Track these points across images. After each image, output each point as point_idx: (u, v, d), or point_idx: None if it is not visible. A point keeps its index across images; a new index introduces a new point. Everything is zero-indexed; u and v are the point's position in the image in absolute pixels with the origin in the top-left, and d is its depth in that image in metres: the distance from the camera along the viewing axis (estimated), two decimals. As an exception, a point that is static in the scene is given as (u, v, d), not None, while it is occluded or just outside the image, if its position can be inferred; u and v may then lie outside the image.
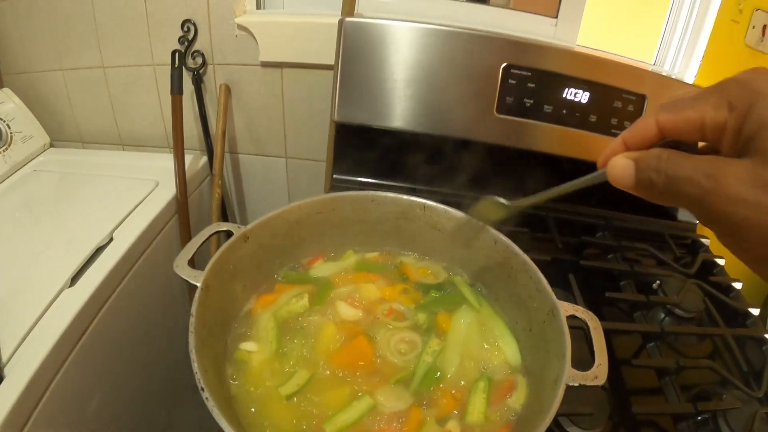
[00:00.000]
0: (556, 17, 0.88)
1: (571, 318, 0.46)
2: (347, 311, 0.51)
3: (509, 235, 0.52)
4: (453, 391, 0.45)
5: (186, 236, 0.93)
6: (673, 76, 0.91)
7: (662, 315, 0.76)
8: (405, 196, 0.56)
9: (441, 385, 0.46)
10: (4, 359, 0.63)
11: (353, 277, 0.55)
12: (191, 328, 0.40)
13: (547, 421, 0.35)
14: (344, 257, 0.57)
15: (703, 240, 0.93)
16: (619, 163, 0.31)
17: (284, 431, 0.41)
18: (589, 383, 0.41)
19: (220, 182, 0.98)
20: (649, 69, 0.86)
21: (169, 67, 0.95)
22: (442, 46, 0.75)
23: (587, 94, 0.77)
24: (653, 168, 0.28)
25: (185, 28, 0.92)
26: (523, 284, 0.50)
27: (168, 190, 0.94)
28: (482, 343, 0.49)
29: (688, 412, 0.57)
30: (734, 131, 0.26)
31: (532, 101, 0.77)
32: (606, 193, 0.90)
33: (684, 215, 0.96)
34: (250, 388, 0.44)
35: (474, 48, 0.75)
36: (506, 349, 0.49)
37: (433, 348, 0.48)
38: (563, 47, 0.76)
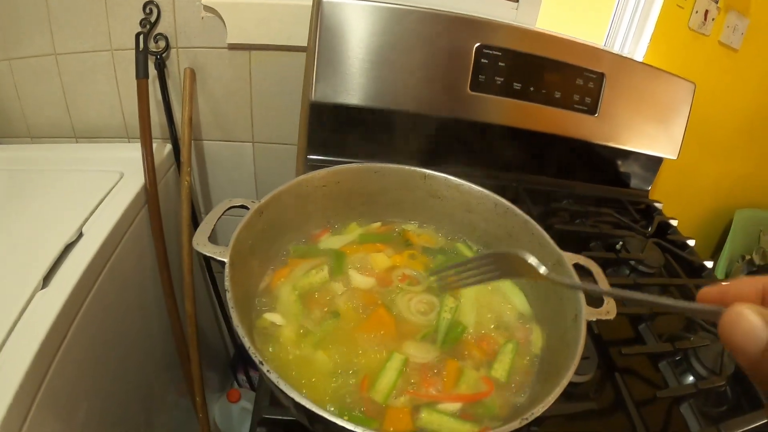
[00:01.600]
0: (518, 1, 0.95)
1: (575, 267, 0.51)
2: (363, 280, 0.54)
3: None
4: (482, 344, 0.50)
5: (158, 227, 0.91)
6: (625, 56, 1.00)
7: (628, 271, 0.85)
8: (407, 167, 0.59)
9: (467, 337, 0.50)
10: None
11: (361, 248, 0.58)
12: (231, 304, 0.41)
13: (578, 352, 0.40)
14: (349, 230, 0.60)
15: (656, 204, 1.04)
16: (750, 320, 0.23)
17: (325, 393, 0.43)
18: (603, 317, 0.47)
19: (188, 170, 0.97)
20: (606, 49, 0.94)
21: (128, 52, 0.92)
22: (419, 27, 0.79)
23: (552, 73, 0.84)
24: None
25: (147, 10, 0.90)
26: (526, 242, 0.55)
27: (135, 181, 0.91)
28: (493, 298, 0.54)
29: (666, 351, 0.65)
30: None
31: (502, 79, 0.83)
32: (565, 164, 0.99)
33: (636, 182, 1.07)
34: (283, 356, 0.46)
35: (449, 29, 0.79)
36: (516, 302, 0.54)
37: (450, 306, 0.52)
38: (532, 29, 0.82)
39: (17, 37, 1.00)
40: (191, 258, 0.99)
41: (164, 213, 0.96)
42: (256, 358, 0.37)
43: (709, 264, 0.87)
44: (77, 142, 1.13)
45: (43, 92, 1.08)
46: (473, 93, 0.82)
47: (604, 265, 0.83)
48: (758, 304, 0.24)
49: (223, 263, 0.44)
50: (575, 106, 0.84)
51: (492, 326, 0.52)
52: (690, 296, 0.79)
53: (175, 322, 1.00)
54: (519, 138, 0.88)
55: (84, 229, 0.81)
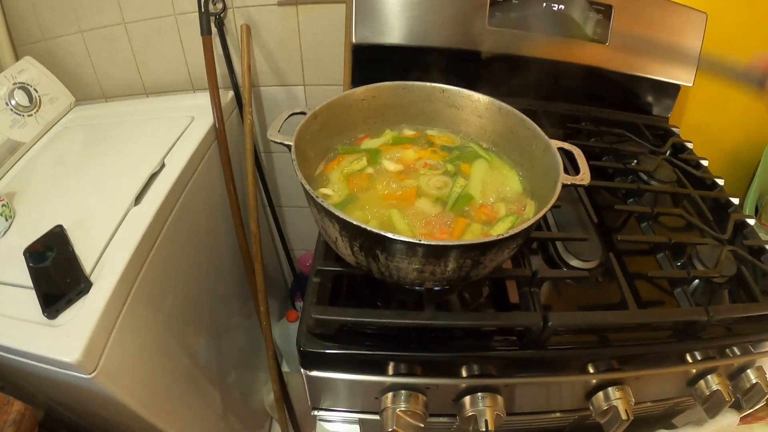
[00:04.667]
0: None
1: (560, 151, 0.67)
2: (394, 166, 0.72)
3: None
4: (485, 209, 0.67)
5: (226, 158, 1.13)
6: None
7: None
8: (428, 83, 0.77)
9: (473, 204, 0.68)
10: (88, 270, 0.79)
11: (393, 147, 0.76)
12: (295, 165, 0.59)
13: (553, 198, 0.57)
14: (384, 134, 0.79)
15: (674, 129, 1.16)
16: None
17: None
18: (578, 183, 0.63)
19: (250, 110, 1.18)
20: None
21: (190, 16, 1.13)
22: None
23: (562, 6, 0.97)
24: None
25: (205, -23, 1.10)
26: (524, 135, 0.71)
27: (204, 122, 1.12)
28: (495, 178, 0.72)
29: (663, 242, 0.79)
30: None
31: (517, 14, 0.98)
32: (582, 91, 1.11)
33: (657, 110, 1.19)
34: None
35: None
36: (513, 181, 0.72)
37: (461, 183, 0.70)
38: None
39: (87, 11, 1.23)
40: (255, 184, 1.21)
41: (232, 147, 1.17)
42: (314, 195, 0.55)
43: (735, 200, 0.95)
44: (148, 97, 1.37)
45: (115, 57, 1.30)
46: (492, 28, 0.98)
47: (613, 175, 0.98)
48: None
49: (289, 147, 0.64)
50: (587, 36, 0.98)
51: (493, 199, 0.69)
52: (700, 209, 0.90)
53: (241, 239, 1.23)
54: (535, 67, 1.03)
55: (165, 161, 1.01)
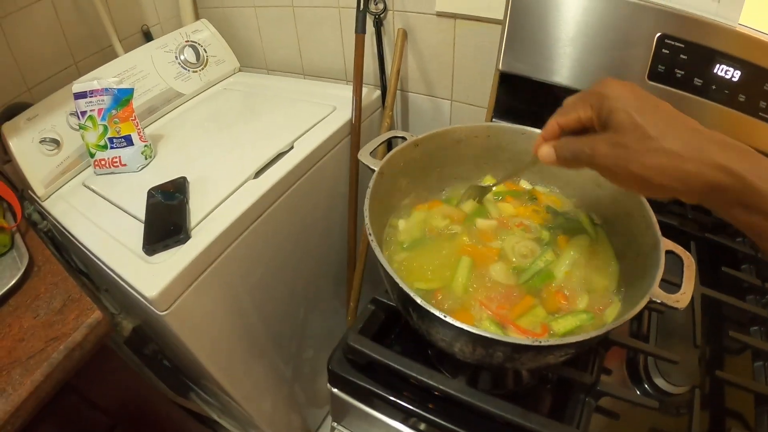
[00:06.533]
0: None
1: (670, 253, 0.57)
2: (486, 222, 0.68)
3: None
4: (561, 296, 0.60)
5: (356, 154, 1.16)
6: None
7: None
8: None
9: (551, 285, 0.61)
10: (192, 225, 0.88)
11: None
12: (368, 194, 0.59)
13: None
14: (485, 180, 0.75)
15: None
16: (544, 150, 0.51)
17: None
18: (670, 303, 0.52)
19: (390, 113, 1.20)
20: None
21: (353, 10, 1.16)
22: (604, 11, 0.85)
23: (738, 72, 0.82)
24: (562, 148, 0.50)
25: (370, -22, 1.13)
26: (637, 222, 0.62)
27: (344, 114, 1.16)
28: (592, 263, 0.64)
29: None
30: (598, 120, 0.47)
31: (683, 72, 0.85)
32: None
33: None
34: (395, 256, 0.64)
35: (633, 15, 0.84)
36: (609, 272, 0.63)
37: (548, 258, 0.63)
38: (719, 24, 0.82)
39: None
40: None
41: (364, 145, 1.19)
42: (373, 241, 0.54)
43: None
44: (304, 78, 1.46)
45: (281, 35, 1.40)
46: (651, 83, 0.87)
47: (747, 291, 0.81)
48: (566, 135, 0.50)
49: (374, 170, 0.63)
50: (760, 113, 0.82)
51: (578, 285, 0.61)
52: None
53: (351, 236, 1.26)
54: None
55: (295, 144, 1.07)
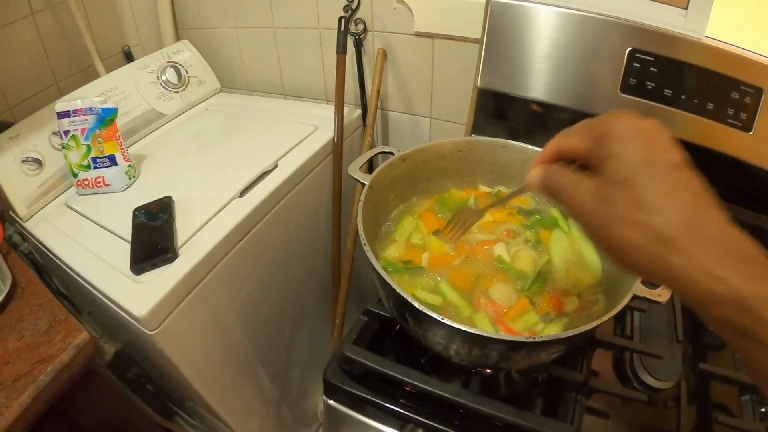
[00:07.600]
0: (686, 8, 0.97)
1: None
2: (476, 236, 0.70)
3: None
4: (553, 301, 0.61)
5: (338, 173, 1.18)
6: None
7: None
8: (530, 146, 0.74)
9: (547, 290, 0.63)
10: (180, 244, 0.87)
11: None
12: (360, 206, 0.61)
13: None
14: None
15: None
16: (532, 173, 0.43)
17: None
18: (653, 298, 0.54)
19: (371, 132, 1.22)
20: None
21: (333, 32, 1.19)
22: (577, 28, 0.89)
23: (706, 82, 0.86)
24: (549, 177, 0.41)
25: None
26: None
27: (326, 133, 1.17)
28: (578, 263, 0.66)
29: (752, 384, 0.66)
30: (593, 158, 0.38)
31: (653, 84, 0.89)
32: (721, 184, 0.98)
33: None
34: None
35: (604, 31, 0.88)
36: (592, 266, 0.65)
37: (545, 260, 0.66)
38: (687, 37, 0.86)
39: (243, 11, 1.36)
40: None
41: (347, 164, 1.20)
42: (368, 251, 0.56)
43: None
44: (285, 98, 1.48)
45: (262, 56, 1.42)
46: (623, 95, 0.91)
47: None
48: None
49: (364, 185, 0.65)
50: (728, 120, 0.86)
51: (568, 286, 0.63)
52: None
53: (335, 253, 1.26)
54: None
55: (279, 162, 1.07)
